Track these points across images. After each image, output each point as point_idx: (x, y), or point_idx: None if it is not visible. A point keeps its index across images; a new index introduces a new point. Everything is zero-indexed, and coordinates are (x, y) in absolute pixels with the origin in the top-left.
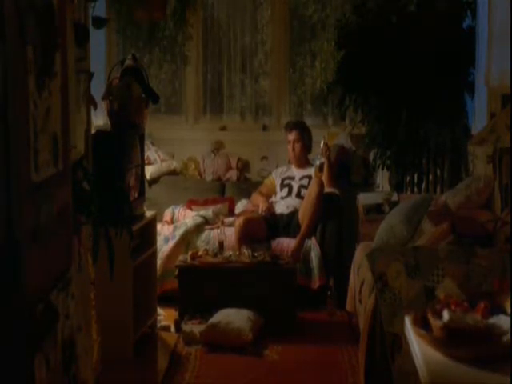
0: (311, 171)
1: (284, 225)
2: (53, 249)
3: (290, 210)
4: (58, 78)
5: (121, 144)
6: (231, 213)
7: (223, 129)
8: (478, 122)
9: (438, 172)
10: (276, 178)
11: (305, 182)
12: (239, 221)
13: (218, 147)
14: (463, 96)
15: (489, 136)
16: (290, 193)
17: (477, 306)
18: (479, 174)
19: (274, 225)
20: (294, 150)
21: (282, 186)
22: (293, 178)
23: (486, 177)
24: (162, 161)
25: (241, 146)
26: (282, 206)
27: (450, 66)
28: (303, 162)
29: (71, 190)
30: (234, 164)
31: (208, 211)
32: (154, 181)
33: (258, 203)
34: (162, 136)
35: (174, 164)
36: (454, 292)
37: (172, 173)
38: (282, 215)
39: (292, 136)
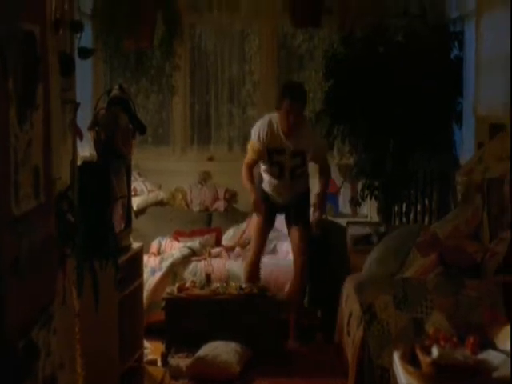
0: (303, 142)
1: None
2: (35, 283)
3: (290, 199)
4: (41, 109)
5: (107, 175)
6: (218, 244)
7: (211, 159)
8: (466, 151)
9: (427, 202)
10: (262, 144)
11: (297, 160)
12: (245, 267)
13: (205, 178)
14: (451, 126)
15: (477, 166)
16: (282, 175)
17: (466, 340)
18: (467, 205)
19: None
20: (290, 122)
21: (271, 162)
22: (283, 152)
23: (474, 207)
24: (149, 191)
25: (228, 176)
26: (274, 192)
27: (437, 95)
28: (295, 128)
29: (55, 222)
30: (221, 194)
31: (195, 242)
32: (141, 212)
33: (248, 184)
34: (149, 167)
35: (161, 195)
36: (442, 326)
37: (159, 203)
38: (276, 203)
39: (292, 103)
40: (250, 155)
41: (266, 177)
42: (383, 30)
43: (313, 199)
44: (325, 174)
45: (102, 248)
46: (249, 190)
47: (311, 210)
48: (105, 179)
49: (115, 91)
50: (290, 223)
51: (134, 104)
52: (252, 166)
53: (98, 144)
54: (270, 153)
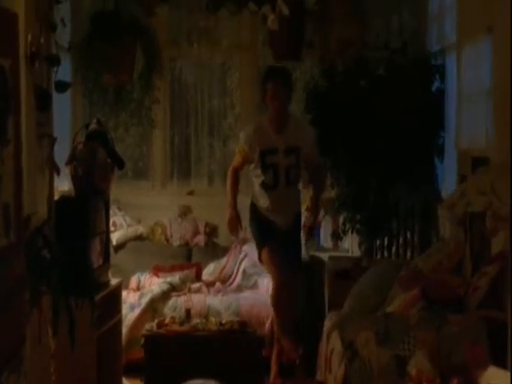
0: (295, 136)
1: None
2: (3, 325)
3: (287, 219)
4: (12, 144)
5: (85, 210)
6: (198, 279)
7: (191, 193)
8: (448, 184)
9: (409, 235)
10: (251, 146)
11: (292, 159)
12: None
13: (185, 212)
14: (433, 159)
15: (459, 200)
16: (276, 180)
17: (450, 382)
18: (449, 238)
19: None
20: (277, 106)
21: (264, 165)
22: (276, 152)
23: (457, 241)
24: (129, 226)
25: (209, 210)
26: (270, 207)
27: (419, 128)
28: (285, 120)
29: (30, 259)
30: (201, 229)
31: (175, 278)
32: (120, 246)
33: (230, 193)
34: (129, 201)
35: (141, 229)
36: (425, 367)
37: (138, 238)
38: (275, 225)
39: (276, 86)
40: (237, 158)
41: (259, 190)
42: (364, 63)
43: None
44: (319, 173)
45: (78, 285)
46: (228, 202)
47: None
48: (82, 214)
49: (93, 125)
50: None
51: (113, 138)
52: (238, 170)
53: (75, 179)
54: (263, 155)
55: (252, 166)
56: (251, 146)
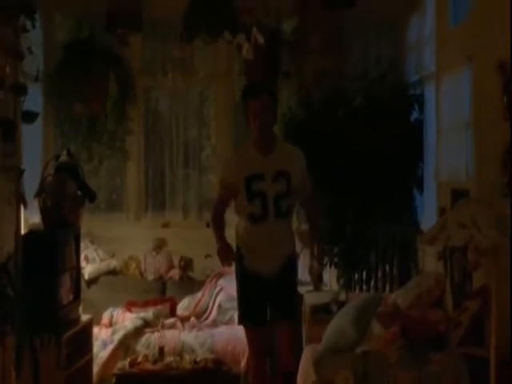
0: (284, 159)
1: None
2: None
3: (278, 262)
4: None
5: (54, 244)
6: (173, 314)
7: (165, 226)
8: (428, 217)
9: (387, 268)
10: (234, 174)
11: (282, 185)
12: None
13: (159, 245)
14: (412, 190)
15: (440, 234)
16: (265, 211)
17: None
18: (429, 272)
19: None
20: (260, 125)
21: (251, 194)
22: (262, 177)
23: (437, 275)
24: (102, 260)
25: (184, 243)
26: (256, 248)
27: (397, 160)
28: (272, 142)
29: None
30: (176, 262)
31: (148, 313)
32: (93, 281)
33: (215, 230)
34: (102, 234)
35: (114, 263)
36: None
37: (112, 272)
38: (261, 275)
39: (260, 103)
40: (219, 193)
41: (245, 225)
42: (342, 92)
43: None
44: (313, 203)
45: (45, 323)
46: (215, 238)
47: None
48: (51, 249)
49: (63, 157)
50: (273, 315)
51: (83, 170)
52: (222, 205)
53: (44, 212)
54: (248, 182)
55: (238, 199)
56: (234, 173)
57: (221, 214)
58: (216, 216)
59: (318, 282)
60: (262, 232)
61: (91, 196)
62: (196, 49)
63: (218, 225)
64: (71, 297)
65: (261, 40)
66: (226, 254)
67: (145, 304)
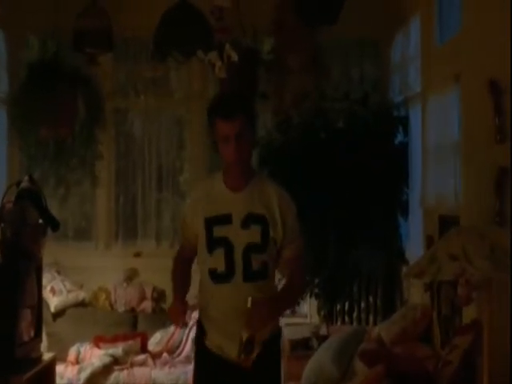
0: (260, 198)
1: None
2: None
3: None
4: None
5: (13, 277)
6: (144, 350)
7: (137, 255)
8: (413, 245)
9: (371, 299)
10: (195, 215)
11: (254, 234)
12: None
13: (131, 275)
14: (396, 217)
15: (428, 267)
16: (230, 268)
17: None
18: (415, 303)
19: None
20: (233, 153)
21: (212, 242)
22: (228, 220)
23: (423, 306)
24: (69, 291)
25: (156, 273)
26: (224, 322)
27: (381, 184)
28: (246, 175)
29: None
30: (148, 294)
31: (117, 349)
32: (59, 314)
33: (175, 282)
34: (70, 264)
35: (83, 295)
36: None
37: (80, 304)
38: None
39: (233, 126)
40: (181, 238)
41: (206, 286)
42: (323, 114)
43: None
44: (297, 271)
45: (1, 364)
46: (172, 292)
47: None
48: (10, 282)
49: (25, 183)
50: None
51: (46, 197)
52: (182, 256)
53: (3, 242)
54: (209, 225)
55: (199, 247)
56: (194, 214)
57: (181, 267)
58: (176, 269)
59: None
60: (227, 297)
61: (54, 225)
62: (170, 69)
63: (176, 279)
64: (32, 333)
65: (235, 57)
66: (176, 316)
67: (114, 339)
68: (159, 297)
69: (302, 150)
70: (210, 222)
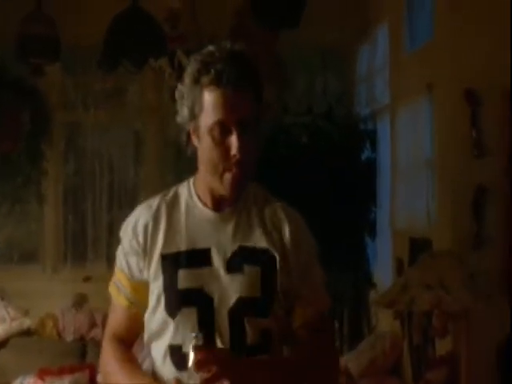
0: (262, 226)
1: None
2: None
3: None
4: None
5: None
6: (92, 383)
7: (87, 279)
8: (382, 268)
9: (337, 326)
10: (139, 256)
11: (252, 279)
12: None
13: (80, 301)
14: (363, 237)
15: (401, 296)
16: (208, 340)
17: None
18: (384, 331)
19: None
20: (238, 149)
21: (174, 295)
22: (206, 258)
23: (393, 335)
24: (13, 319)
25: (108, 299)
26: None
27: (347, 202)
28: (241, 188)
29: None
30: (99, 320)
31: (63, 382)
32: (1, 344)
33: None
34: (14, 289)
35: (28, 322)
36: None
37: (25, 333)
38: None
39: (240, 106)
40: (113, 308)
41: (160, 376)
42: (285, 129)
43: None
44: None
45: None
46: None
47: None
48: None
49: None
50: None
51: None
52: (118, 338)
53: None
54: (170, 269)
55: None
56: (139, 252)
57: (122, 350)
58: (114, 354)
59: None
60: None
61: None
62: (122, 79)
63: (122, 364)
64: None
65: (186, 64)
66: None
67: (60, 371)
68: None
69: (262, 167)
70: (172, 263)
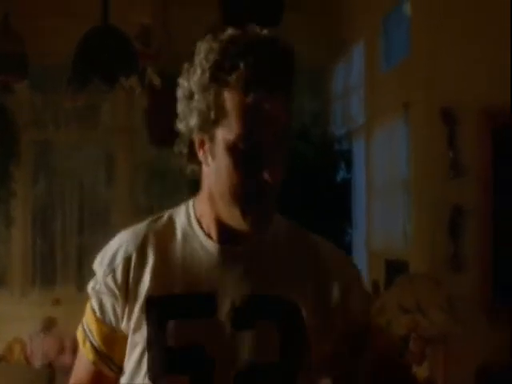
0: (287, 271)
1: None
2: None
3: None
4: None
5: None
6: None
7: (56, 302)
8: None
9: None
10: (116, 300)
11: (268, 339)
12: None
13: (49, 325)
14: None
15: (376, 320)
16: None
17: None
18: None
19: None
20: (271, 170)
21: (164, 353)
22: (209, 307)
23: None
24: None
25: (77, 323)
26: None
27: (322, 223)
28: (267, 217)
29: None
30: (68, 345)
31: None
32: None
33: None
34: None
35: None
36: None
37: None
38: None
39: (276, 115)
40: (79, 358)
41: None
42: None
43: None
44: None
45: None
46: None
47: None
48: None
49: None
50: None
51: None
52: None
53: None
54: (158, 317)
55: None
56: (118, 294)
57: None
58: None
59: None
60: None
61: None
62: (93, 98)
63: None
64: None
65: (157, 82)
66: None
67: None
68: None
69: None
70: (161, 310)
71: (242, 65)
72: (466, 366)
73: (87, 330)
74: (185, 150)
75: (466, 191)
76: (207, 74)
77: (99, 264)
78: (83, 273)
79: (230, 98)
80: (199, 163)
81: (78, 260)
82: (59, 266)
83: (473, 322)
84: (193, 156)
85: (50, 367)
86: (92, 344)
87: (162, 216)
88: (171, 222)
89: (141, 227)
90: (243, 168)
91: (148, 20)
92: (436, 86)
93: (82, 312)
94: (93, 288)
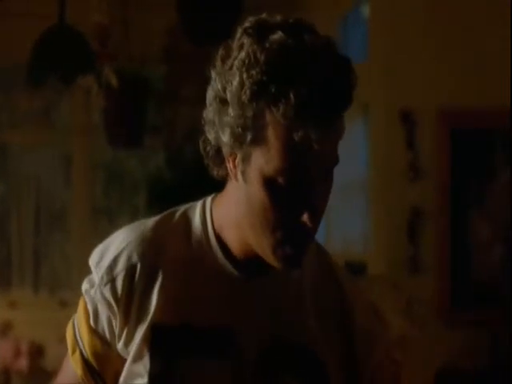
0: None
1: None
2: None
3: None
4: None
5: None
6: None
7: (11, 305)
8: None
9: None
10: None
11: None
12: None
13: (4, 329)
14: None
15: None
16: None
17: None
18: None
19: None
20: (315, 216)
21: None
22: (225, 345)
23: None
24: None
25: (34, 326)
26: None
27: None
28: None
29: None
30: (24, 350)
31: None
32: None
33: None
34: None
35: None
36: None
37: None
38: None
39: (325, 152)
40: (65, 362)
41: None
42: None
43: None
44: None
45: None
46: None
47: None
48: None
49: None
50: None
51: None
52: None
53: None
54: (160, 353)
55: None
56: (117, 305)
57: None
58: None
59: None
60: None
61: None
62: (49, 98)
63: None
64: None
65: (114, 83)
66: None
67: None
68: (37, 353)
69: (196, 188)
70: (171, 343)
71: (291, 95)
72: (424, 369)
73: (78, 335)
74: (211, 152)
75: (424, 193)
76: (248, 92)
77: (96, 264)
78: (40, 275)
79: (273, 126)
80: (226, 173)
81: (35, 262)
82: (15, 268)
83: (431, 325)
84: (221, 162)
85: (5, 373)
86: (82, 355)
87: (174, 215)
88: (186, 226)
89: (149, 227)
90: (281, 207)
91: (105, 20)
92: (394, 88)
93: (38, 316)
94: (87, 291)
